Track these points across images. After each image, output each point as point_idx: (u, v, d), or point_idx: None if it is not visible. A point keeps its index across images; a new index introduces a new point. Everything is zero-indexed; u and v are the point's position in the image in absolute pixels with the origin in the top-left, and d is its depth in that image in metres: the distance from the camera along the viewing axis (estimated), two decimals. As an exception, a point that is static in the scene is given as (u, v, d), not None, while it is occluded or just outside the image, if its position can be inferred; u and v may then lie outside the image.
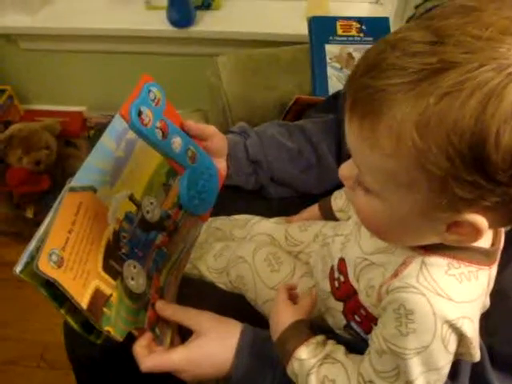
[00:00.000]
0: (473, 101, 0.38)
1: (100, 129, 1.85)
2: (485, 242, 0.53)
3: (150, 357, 0.65)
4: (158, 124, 0.70)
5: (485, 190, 0.41)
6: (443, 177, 0.41)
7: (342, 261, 0.65)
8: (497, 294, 0.57)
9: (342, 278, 0.65)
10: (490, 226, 0.45)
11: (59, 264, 0.55)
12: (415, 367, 0.51)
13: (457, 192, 0.41)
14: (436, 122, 0.39)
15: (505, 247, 0.56)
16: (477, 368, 0.57)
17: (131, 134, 0.68)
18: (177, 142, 0.74)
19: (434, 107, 0.39)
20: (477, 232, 0.45)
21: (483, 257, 0.52)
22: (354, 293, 0.62)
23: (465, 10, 0.41)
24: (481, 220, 0.44)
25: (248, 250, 0.79)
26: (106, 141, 0.66)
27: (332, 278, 0.67)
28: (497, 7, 0.41)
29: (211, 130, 0.83)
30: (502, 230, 0.56)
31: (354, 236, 0.64)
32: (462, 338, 0.51)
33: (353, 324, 0.64)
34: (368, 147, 0.44)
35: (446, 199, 0.42)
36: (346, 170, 0.52)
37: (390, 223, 0.49)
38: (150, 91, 0.70)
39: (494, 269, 0.55)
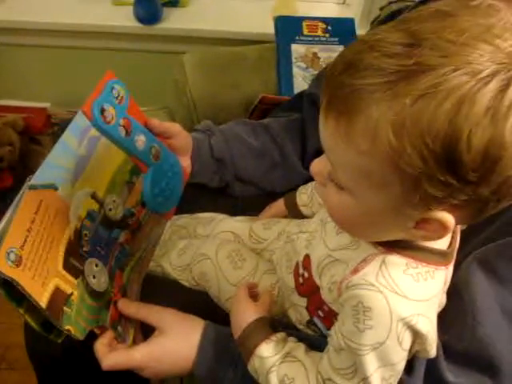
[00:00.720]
0: (447, 103, 0.39)
1: (65, 125, 1.81)
2: (442, 243, 0.54)
3: (111, 354, 0.65)
4: (121, 122, 0.70)
5: (455, 189, 0.42)
6: (416, 176, 0.42)
7: (307, 257, 0.66)
8: (451, 292, 0.59)
9: (306, 274, 0.65)
10: (456, 223, 0.46)
11: (17, 263, 0.54)
12: (371, 363, 0.53)
13: (429, 190, 0.42)
14: (411, 122, 0.40)
15: (460, 247, 0.58)
16: (432, 363, 0.59)
17: (94, 132, 0.67)
18: (140, 140, 0.74)
19: (409, 108, 0.40)
20: (444, 229, 0.46)
21: (440, 257, 0.54)
22: (317, 289, 0.63)
23: (440, 14, 0.42)
24: (449, 217, 0.45)
25: (211, 247, 0.80)
26: (68, 138, 0.66)
27: (297, 274, 0.68)
28: (471, 13, 0.42)
29: (176, 128, 0.83)
30: (458, 231, 0.57)
31: (319, 233, 0.65)
32: (416, 335, 0.52)
33: (316, 320, 0.65)
34: (343, 145, 0.45)
35: (418, 197, 0.43)
36: (317, 166, 0.53)
37: (361, 218, 0.50)
38: (113, 88, 0.69)
39: (451, 268, 0.57)
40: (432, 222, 0.46)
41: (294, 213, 0.85)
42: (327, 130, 0.46)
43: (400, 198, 0.45)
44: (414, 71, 0.40)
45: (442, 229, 0.46)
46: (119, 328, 0.69)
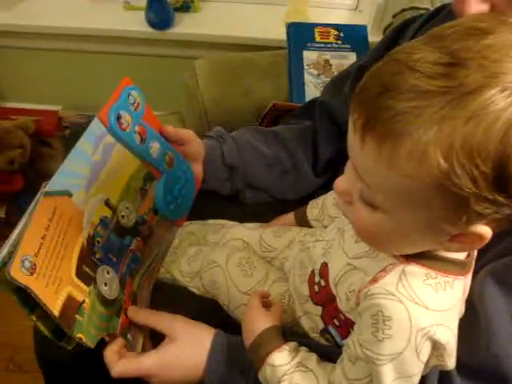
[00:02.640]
0: (497, 125, 0.39)
1: (75, 128, 1.82)
2: (462, 253, 0.54)
3: (120, 362, 0.65)
4: (137, 129, 0.70)
5: (501, 205, 0.42)
6: (463, 196, 0.42)
7: (324, 265, 0.65)
8: (465, 307, 0.58)
9: (322, 283, 0.65)
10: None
11: (31, 271, 0.54)
12: (388, 374, 0.53)
13: (475, 209, 0.42)
14: (461, 144, 0.40)
15: (476, 258, 0.57)
16: (445, 378, 0.59)
17: (109, 138, 0.67)
18: (155, 147, 0.74)
19: (459, 130, 0.40)
20: (481, 240, 0.47)
21: (459, 267, 0.54)
22: (333, 298, 0.62)
23: (478, 32, 0.42)
24: (487, 230, 0.45)
25: (221, 255, 0.80)
26: (84, 144, 0.66)
27: (312, 282, 0.68)
28: (510, 30, 0.42)
29: (189, 135, 0.83)
30: None
31: (337, 242, 0.65)
32: (435, 345, 0.52)
33: (330, 328, 0.65)
34: (385, 167, 0.44)
35: (461, 215, 0.43)
36: (342, 185, 0.52)
37: (393, 236, 0.50)
38: (129, 95, 0.69)
39: (469, 277, 0.57)
40: (470, 235, 0.46)
41: (304, 226, 0.85)
42: (365, 153, 0.45)
43: (440, 217, 0.45)
44: (460, 93, 0.40)
45: (478, 240, 0.47)
46: (129, 336, 0.69)
